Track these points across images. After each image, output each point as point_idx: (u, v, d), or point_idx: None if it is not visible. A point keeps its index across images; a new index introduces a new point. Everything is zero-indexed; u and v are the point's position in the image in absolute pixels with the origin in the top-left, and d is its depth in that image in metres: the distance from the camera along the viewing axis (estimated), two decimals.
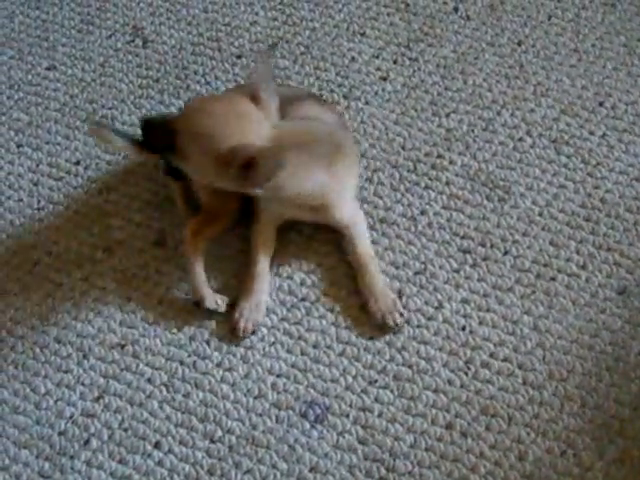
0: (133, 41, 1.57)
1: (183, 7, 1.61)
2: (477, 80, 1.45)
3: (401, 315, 1.18)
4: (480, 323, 1.18)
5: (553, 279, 1.21)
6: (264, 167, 1.08)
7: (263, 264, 1.23)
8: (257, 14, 1.58)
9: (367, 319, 1.20)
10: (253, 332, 1.20)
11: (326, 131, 1.24)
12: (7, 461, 1.13)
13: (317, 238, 1.28)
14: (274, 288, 1.24)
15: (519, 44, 1.49)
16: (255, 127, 1.13)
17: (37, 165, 1.42)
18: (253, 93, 1.16)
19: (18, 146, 1.45)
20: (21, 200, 1.38)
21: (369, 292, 1.20)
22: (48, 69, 1.55)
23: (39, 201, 1.37)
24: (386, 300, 1.19)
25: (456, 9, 1.55)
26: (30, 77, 1.54)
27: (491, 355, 1.15)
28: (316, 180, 1.18)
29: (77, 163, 1.41)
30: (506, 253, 1.24)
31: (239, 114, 1.13)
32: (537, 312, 1.18)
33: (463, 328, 1.18)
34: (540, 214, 1.28)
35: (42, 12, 1.64)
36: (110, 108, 1.47)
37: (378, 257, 1.25)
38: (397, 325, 1.18)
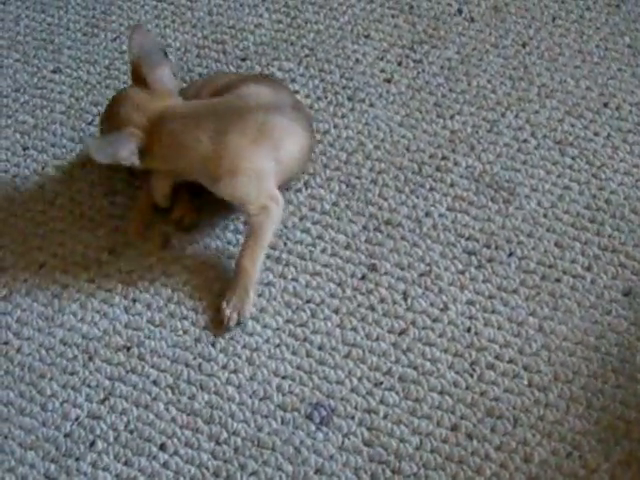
0: None
1: (188, 10, 1.61)
2: (481, 82, 1.45)
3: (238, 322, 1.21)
4: (485, 325, 1.18)
5: (558, 280, 1.21)
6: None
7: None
8: (261, 16, 1.59)
9: (374, 320, 1.20)
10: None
11: (232, 104, 1.27)
12: (13, 462, 1.13)
13: (325, 239, 1.29)
14: (279, 290, 1.25)
15: (523, 45, 1.49)
16: (129, 111, 1.26)
17: (43, 168, 1.42)
18: (134, 74, 1.29)
19: (24, 149, 1.45)
20: (26, 202, 1.38)
21: (231, 286, 1.22)
22: (54, 72, 1.55)
23: (45, 203, 1.38)
24: (240, 301, 1.21)
25: (460, 11, 1.56)
26: (35, 80, 1.55)
27: (496, 357, 1.15)
28: (199, 148, 1.24)
29: (83, 166, 1.41)
30: (511, 255, 1.24)
31: (118, 104, 1.28)
32: (542, 314, 1.18)
33: (468, 330, 1.18)
34: (545, 215, 1.28)
35: (47, 15, 1.65)
36: None
37: (383, 259, 1.25)
38: (229, 328, 1.21)
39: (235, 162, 1.23)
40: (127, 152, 1.23)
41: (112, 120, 1.28)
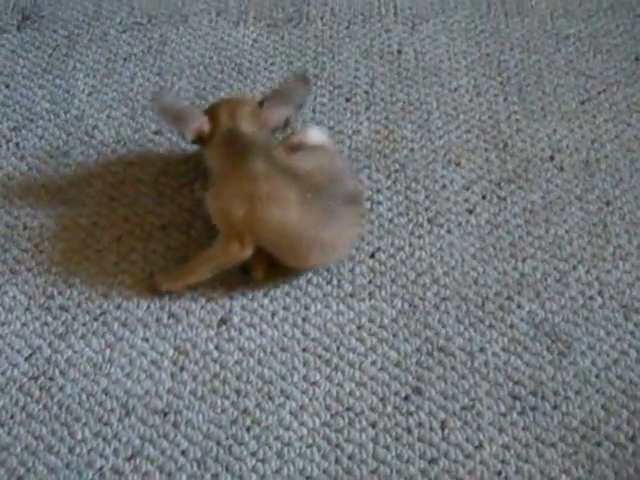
0: None
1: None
2: (559, 231, 1.47)
3: None
4: (516, 472, 1.17)
5: (598, 444, 1.20)
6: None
7: None
8: (361, 124, 1.64)
9: (408, 442, 1.20)
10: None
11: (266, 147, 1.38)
12: None
13: (378, 352, 1.30)
14: (323, 391, 1.26)
15: (607, 204, 1.51)
16: (227, 102, 1.45)
17: (124, 221, 1.48)
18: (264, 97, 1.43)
19: (110, 199, 1.51)
20: (101, 251, 1.43)
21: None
22: (155, 133, 1.62)
23: (118, 256, 1.42)
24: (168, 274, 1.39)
25: (552, 157, 1.59)
26: (137, 137, 1.62)
27: None
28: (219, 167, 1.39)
29: (162, 229, 1.46)
30: (555, 407, 1.24)
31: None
32: (576, 474, 1.17)
33: (499, 473, 1.17)
34: (597, 376, 1.28)
35: (162, 79, 1.73)
36: None
37: (429, 384, 1.26)
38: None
39: (218, 185, 1.36)
40: (191, 116, 1.38)
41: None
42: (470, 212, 1.50)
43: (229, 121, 1.38)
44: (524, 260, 1.42)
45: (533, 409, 1.24)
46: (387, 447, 1.20)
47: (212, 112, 1.40)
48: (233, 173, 1.34)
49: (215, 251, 1.35)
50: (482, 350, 1.30)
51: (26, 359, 1.29)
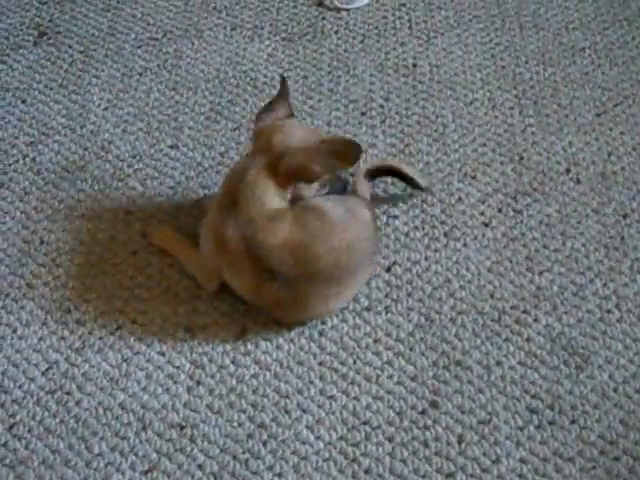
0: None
1: (309, 116, 1.68)
2: (576, 244, 1.46)
3: None
4: None
5: (617, 459, 1.19)
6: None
7: None
8: (377, 137, 1.64)
9: (425, 456, 1.20)
10: None
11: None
12: None
13: (394, 366, 1.30)
14: (339, 405, 1.25)
15: (624, 216, 1.50)
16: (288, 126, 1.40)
17: (141, 236, 1.49)
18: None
19: (127, 213, 1.52)
20: (118, 264, 1.44)
21: None
22: (171, 147, 1.63)
23: (135, 270, 1.43)
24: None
25: (568, 170, 1.58)
26: (153, 151, 1.63)
27: None
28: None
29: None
30: (573, 422, 1.23)
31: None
32: None
33: None
34: (615, 390, 1.27)
35: (177, 93, 1.74)
36: None
37: (446, 398, 1.26)
38: None
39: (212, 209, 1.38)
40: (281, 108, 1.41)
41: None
42: (486, 225, 1.49)
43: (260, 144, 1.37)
44: (540, 273, 1.42)
45: (551, 423, 1.23)
46: (404, 461, 1.20)
47: (272, 125, 1.38)
48: (216, 221, 1.33)
49: (194, 264, 1.40)
50: (499, 364, 1.30)
51: (43, 373, 1.30)
